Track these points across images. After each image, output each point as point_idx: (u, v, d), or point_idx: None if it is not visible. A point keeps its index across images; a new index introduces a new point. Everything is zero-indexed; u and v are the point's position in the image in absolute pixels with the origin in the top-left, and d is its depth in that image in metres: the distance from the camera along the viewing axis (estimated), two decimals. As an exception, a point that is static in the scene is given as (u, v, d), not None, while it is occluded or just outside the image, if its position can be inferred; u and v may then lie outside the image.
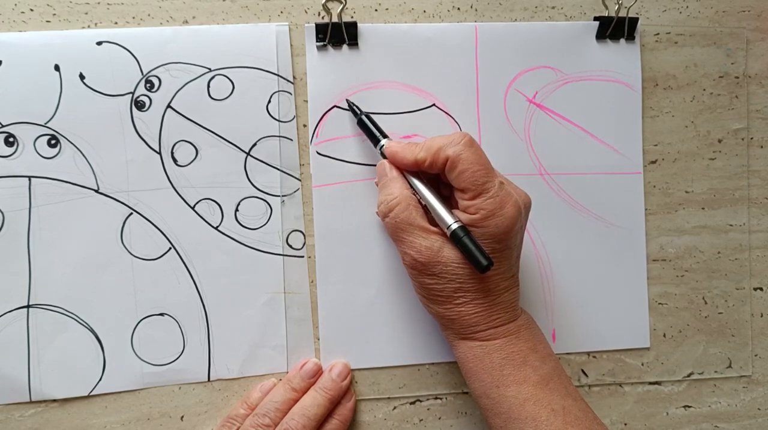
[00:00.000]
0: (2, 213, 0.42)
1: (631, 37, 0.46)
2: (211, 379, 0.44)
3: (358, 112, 0.43)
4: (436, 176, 0.40)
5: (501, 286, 0.38)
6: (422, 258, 0.37)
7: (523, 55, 0.46)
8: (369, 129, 0.42)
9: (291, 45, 0.44)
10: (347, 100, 0.44)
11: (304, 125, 0.45)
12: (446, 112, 0.45)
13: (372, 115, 0.43)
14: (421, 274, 0.38)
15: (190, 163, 0.44)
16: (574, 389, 0.38)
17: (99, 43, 0.43)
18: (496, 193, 0.36)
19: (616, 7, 0.46)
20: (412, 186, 0.39)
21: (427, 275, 0.38)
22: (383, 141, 0.41)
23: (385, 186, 0.40)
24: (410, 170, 0.40)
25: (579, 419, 0.36)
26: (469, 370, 0.39)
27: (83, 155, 0.43)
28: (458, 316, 0.38)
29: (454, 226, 0.36)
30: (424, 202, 0.39)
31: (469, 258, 0.36)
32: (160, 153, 0.43)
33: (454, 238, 0.37)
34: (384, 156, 0.41)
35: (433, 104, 0.45)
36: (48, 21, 0.43)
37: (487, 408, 0.38)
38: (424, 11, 0.45)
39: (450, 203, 0.39)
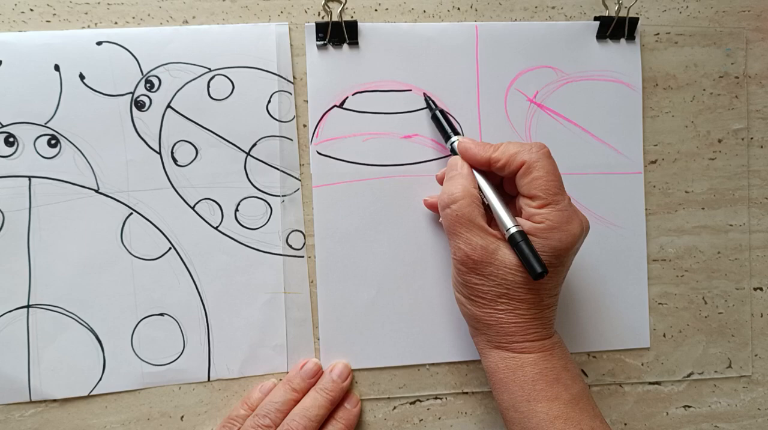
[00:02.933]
0: (2, 213, 0.42)
1: (631, 37, 0.46)
2: (211, 379, 0.44)
3: (433, 107, 0.43)
4: (498, 184, 0.40)
5: (545, 301, 0.38)
6: (475, 255, 0.37)
7: (524, 55, 0.46)
8: (441, 125, 0.43)
9: (291, 45, 0.44)
10: (425, 94, 0.44)
11: (304, 125, 0.45)
12: (447, 112, 0.45)
13: (444, 112, 0.44)
14: (471, 272, 0.38)
15: (190, 163, 0.44)
16: (599, 412, 0.38)
17: (99, 43, 0.43)
18: (566, 208, 0.36)
19: (616, 7, 0.46)
20: (479, 186, 0.39)
21: (475, 274, 0.37)
22: (455, 137, 0.41)
23: (452, 178, 0.39)
24: (480, 169, 0.40)
25: None
26: (499, 381, 0.38)
27: (83, 155, 0.43)
28: (497, 322, 0.38)
29: (513, 229, 0.36)
30: (487, 203, 0.39)
31: (525, 263, 0.36)
32: (160, 153, 0.43)
33: (511, 241, 0.36)
34: (454, 153, 0.41)
35: (434, 104, 0.45)
36: (48, 21, 0.43)
37: (513, 421, 0.38)
38: (424, 11, 0.45)
39: (511, 210, 0.39)
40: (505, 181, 0.40)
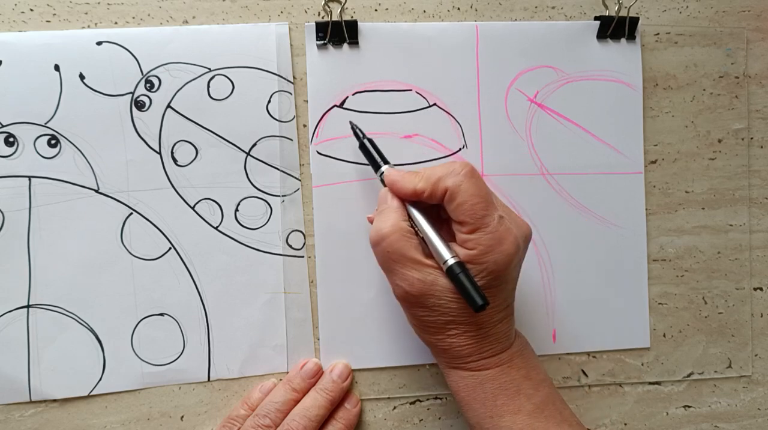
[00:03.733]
0: (2, 213, 0.42)
1: (631, 37, 0.46)
2: (211, 379, 0.44)
3: (361, 135, 0.42)
4: (437, 207, 0.39)
5: (495, 318, 0.37)
6: (414, 290, 0.36)
7: (524, 55, 0.46)
8: (370, 154, 0.41)
9: (291, 45, 0.44)
10: (351, 122, 0.42)
11: (304, 125, 0.45)
12: (447, 112, 0.45)
13: (374, 140, 0.41)
14: (413, 306, 0.37)
15: (190, 163, 0.44)
16: (570, 413, 0.38)
17: (99, 43, 0.43)
18: (495, 229, 0.35)
19: (617, 7, 0.46)
20: (410, 216, 0.38)
21: (419, 307, 0.37)
22: (383, 167, 0.40)
23: (381, 213, 0.38)
24: (410, 200, 0.38)
25: None
26: (462, 399, 0.38)
27: (83, 155, 0.43)
28: (450, 347, 0.37)
29: (451, 261, 0.35)
30: (421, 235, 0.37)
31: (465, 297, 0.35)
32: (160, 153, 0.43)
33: (449, 274, 0.35)
34: (384, 183, 0.39)
35: (434, 104, 0.45)
36: (48, 21, 0.43)
37: None
38: (424, 11, 0.45)
39: (449, 235, 0.38)
40: (441, 207, 0.38)
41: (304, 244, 0.45)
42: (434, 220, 0.38)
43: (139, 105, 0.43)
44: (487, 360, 0.37)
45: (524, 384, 0.37)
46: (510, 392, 0.37)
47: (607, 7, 0.46)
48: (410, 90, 0.45)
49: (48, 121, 0.42)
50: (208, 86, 0.43)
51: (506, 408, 0.36)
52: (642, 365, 0.47)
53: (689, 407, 0.48)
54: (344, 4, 0.44)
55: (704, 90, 0.48)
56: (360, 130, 0.42)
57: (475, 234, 0.35)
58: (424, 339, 0.39)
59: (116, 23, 0.43)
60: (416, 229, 0.37)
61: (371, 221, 0.40)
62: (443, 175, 0.36)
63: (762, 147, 0.48)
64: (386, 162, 0.40)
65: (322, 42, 0.44)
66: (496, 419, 0.36)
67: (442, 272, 0.36)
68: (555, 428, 0.36)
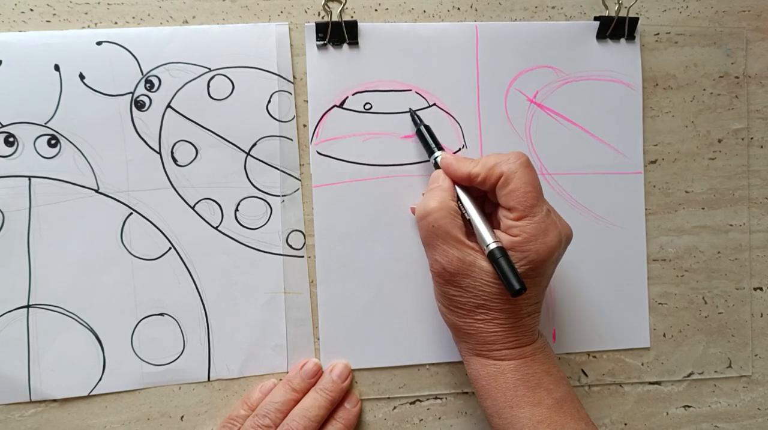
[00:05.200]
0: (2, 213, 0.42)
1: (631, 37, 0.46)
2: (211, 379, 0.44)
3: (418, 122, 0.43)
4: (482, 198, 0.40)
5: (525, 310, 0.38)
6: (452, 268, 0.37)
7: (524, 55, 0.46)
8: (426, 140, 0.43)
9: (291, 45, 0.44)
10: (410, 109, 0.44)
11: (304, 125, 0.45)
12: (447, 112, 0.45)
13: (429, 127, 0.43)
14: (447, 283, 0.38)
15: (190, 163, 0.44)
16: (586, 414, 0.38)
17: (99, 43, 0.43)
18: (542, 220, 0.36)
19: (616, 7, 0.46)
20: (459, 199, 0.39)
21: (452, 286, 0.37)
22: (438, 153, 0.41)
23: (431, 191, 0.39)
24: (462, 184, 0.40)
25: None
26: (482, 388, 0.38)
27: (83, 155, 0.43)
28: (476, 332, 0.38)
29: (493, 245, 0.36)
30: (467, 217, 0.38)
31: (503, 280, 0.36)
32: (160, 153, 0.43)
33: (490, 257, 0.36)
34: (436, 167, 0.41)
35: (434, 104, 0.45)
36: (48, 21, 0.43)
37: (498, 428, 0.38)
38: (424, 11, 0.45)
39: (492, 223, 0.39)
40: (489, 194, 0.40)
41: (304, 244, 0.45)
42: (479, 208, 0.39)
43: (139, 105, 0.43)
44: (511, 351, 0.38)
45: (545, 379, 0.37)
46: (531, 385, 0.37)
47: (607, 7, 0.46)
48: (410, 90, 0.45)
49: (48, 121, 0.42)
50: (208, 86, 0.43)
51: (526, 400, 0.37)
52: (642, 365, 0.47)
53: (689, 407, 0.48)
54: (344, 4, 0.44)
55: (704, 90, 0.48)
56: (418, 116, 0.44)
57: (522, 221, 0.36)
58: (450, 322, 0.39)
59: (116, 23, 0.43)
60: (462, 210, 0.39)
61: (414, 213, 0.42)
62: (499, 162, 0.37)
63: (762, 147, 0.48)
64: (440, 148, 0.42)
65: (322, 42, 0.44)
66: (515, 409, 0.37)
67: (482, 254, 0.37)
68: (572, 424, 0.36)
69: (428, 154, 0.43)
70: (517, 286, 0.35)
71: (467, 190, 0.40)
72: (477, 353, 0.39)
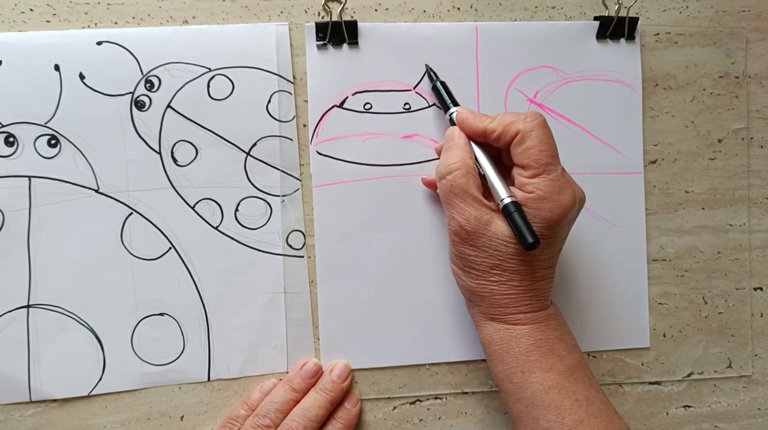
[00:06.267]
0: (2, 213, 0.42)
1: (631, 37, 0.46)
2: (211, 379, 0.44)
3: (434, 77, 0.44)
4: (497, 155, 0.40)
5: (539, 273, 0.38)
6: (469, 226, 0.37)
7: (524, 55, 0.46)
8: (441, 96, 0.43)
9: (291, 45, 0.44)
10: (426, 65, 0.44)
11: (304, 125, 0.45)
12: (447, 84, 0.45)
13: (445, 83, 0.44)
14: (464, 242, 0.38)
15: (190, 163, 0.44)
16: (596, 382, 0.38)
17: (99, 43, 0.43)
18: (557, 178, 0.36)
19: (616, 7, 0.46)
20: (475, 156, 0.39)
21: (468, 245, 0.37)
22: (454, 108, 0.41)
23: (449, 149, 0.39)
24: (477, 140, 0.40)
25: (601, 412, 0.36)
26: (494, 352, 0.38)
27: (83, 155, 0.43)
28: (490, 294, 0.38)
29: (507, 200, 0.36)
30: (483, 174, 0.39)
31: (517, 233, 0.36)
32: (160, 153, 0.43)
33: (505, 212, 0.37)
34: (453, 123, 0.41)
35: (434, 104, 0.45)
36: (48, 21, 0.43)
37: (509, 392, 0.38)
38: (424, 11, 0.45)
39: (507, 182, 0.39)
40: (502, 152, 0.40)
41: (304, 244, 0.45)
42: (495, 166, 0.39)
43: (139, 105, 0.43)
44: (524, 315, 0.38)
45: (558, 345, 0.37)
46: (543, 350, 0.37)
47: (606, 7, 0.46)
48: (410, 90, 0.45)
49: (48, 121, 0.42)
50: (208, 86, 0.43)
51: (538, 365, 0.37)
52: (642, 365, 0.47)
53: (689, 407, 0.48)
54: (344, 4, 0.44)
55: (704, 90, 0.48)
56: (434, 72, 0.44)
57: (537, 179, 0.36)
58: (463, 284, 0.39)
59: (116, 23, 0.43)
60: (479, 169, 0.39)
61: (424, 183, 0.44)
62: (516, 120, 0.37)
63: (762, 147, 0.48)
64: (456, 104, 0.42)
65: (322, 42, 0.44)
66: (527, 374, 0.37)
67: (499, 214, 0.37)
68: (583, 391, 0.36)
69: (444, 110, 0.43)
70: (530, 239, 0.35)
71: (482, 147, 0.40)
72: (491, 317, 0.39)
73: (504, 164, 0.41)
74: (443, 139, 0.41)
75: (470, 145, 0.40)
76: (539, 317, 0.38)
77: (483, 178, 0.39)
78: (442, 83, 0.43)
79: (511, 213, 0.36)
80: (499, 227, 0.37)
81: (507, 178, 0.39)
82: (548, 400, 0.36)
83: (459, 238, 0.38)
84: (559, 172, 0.37)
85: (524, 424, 0.37)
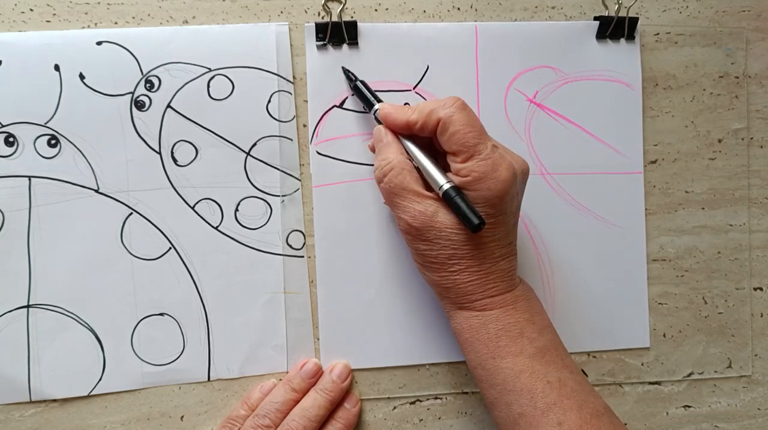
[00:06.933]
0: (2, 213, 0.42)
1: (631, 37, 0.46)
2: (211, 379, 0.44)
3: (353, 78, 0.43)
4: (431, 144, 0.40)
5: (496, 253, 0.38)
6: (416, 223, 0.37)
7: (524, 55, 0.46)
8: (363, 95, 0.43)
9: (291, 45, 0.44)
10: (343, 68, 0.44)
11: (304, 125, 0.45)
12: (366, 82, 0.45)
13: (365, 82, 0.43)
14: (416, 239, 0.38)
15: (190, 163, 0.44)
16: (571, 361, 0.38)
17: (99, 43, 0.43)
18: (488, 156, 0.36)
19: (616, 7, 0.46)
20: (406, 150, 0.39)
21: (421, 241, 0.37)
22: (377, 105, 0.41)
23: (380, 151, 0.39)
24: (404, 133, 0.39)
25: (575, 392, 0.36)
26: (465, 340, 0.39)
27: (83, 155, 0.43)
28: (453, 284, 0.38)
29: (446, 186, 0.36)
30: (416, 165, 0.38)
31: (461, 217, 0.36)
32: (160, 153, 0.43)
33: (446, 198, 0.36)
34: (379, 122, 0.41)
35: (433, 104, 0.45)
36: (48, 21, 0.43)
37: (482, 379, 0.38)
38: (424, 11, 0.45)
39: (445, 167, 0.39)
40: (434, 143, 0.40)
41: (304, 244, 0.45)
42: (429, 155, 0.39)
43: (139, 105, 0.43)
44: (491, 299, 0.38)
45: (528, 328, 0.37)
46: (513, 334, 0.37)
47: (606, 7, 0.46)
48: (410, 90, 0.45)
49: (48, 121, 0.42)
50: (208, 86, 0.43)
51: (508, 350, 0.37)
52: (642, 365, 0.47)
53: (689, 407, 0.48)
54: (344, 4, 0.44)
55: (704, 90, 0.48)
56: (352, 73, 0.43)
57: (469, 162, 0.36)
58: (428, 279, 0.40)
59: (116, 23, 0.43)
60: (414, 162, 0.38)
61: (372, 149, 0.42)
62: (436, 107, 0.37)
63: (762, 147, 0.48)
64: (379, 101, 0.42)
65: (321, 42, 0.44)
66: (498, 360, 0.37)
67: (442, 204, 0.37)
68: (555, 372, 0.36)
69: (368, 109, 0.42)
70: (476, 220, 0.35)
71: (412, 138, 0.39)
72: (459, 307, 0.39)
73: (438, 150, 0.40)
74: (373, 140, 0.41)
75: (399, 140, 0.39)
76: (507, 300, 0.38)
77: (420, 170, 0.38)
78: (362, 82, 0.43)
79: (452, 198, 0.36)
80: (446, 216, 0.37)
81: (444, 164, 0.39)
82: (520, 385, 0.36)
83: (410, 235, 0.38)
84: (489, 150, 0.36)
85: (499, 409, 0.37)
